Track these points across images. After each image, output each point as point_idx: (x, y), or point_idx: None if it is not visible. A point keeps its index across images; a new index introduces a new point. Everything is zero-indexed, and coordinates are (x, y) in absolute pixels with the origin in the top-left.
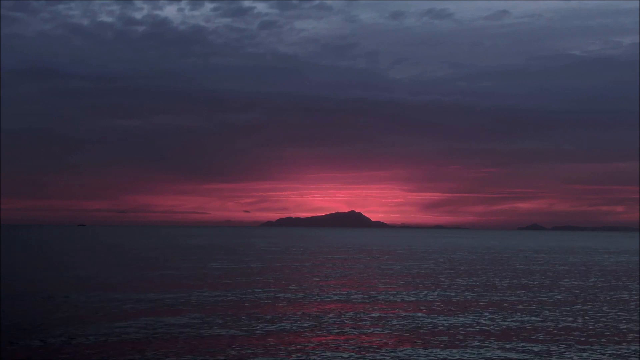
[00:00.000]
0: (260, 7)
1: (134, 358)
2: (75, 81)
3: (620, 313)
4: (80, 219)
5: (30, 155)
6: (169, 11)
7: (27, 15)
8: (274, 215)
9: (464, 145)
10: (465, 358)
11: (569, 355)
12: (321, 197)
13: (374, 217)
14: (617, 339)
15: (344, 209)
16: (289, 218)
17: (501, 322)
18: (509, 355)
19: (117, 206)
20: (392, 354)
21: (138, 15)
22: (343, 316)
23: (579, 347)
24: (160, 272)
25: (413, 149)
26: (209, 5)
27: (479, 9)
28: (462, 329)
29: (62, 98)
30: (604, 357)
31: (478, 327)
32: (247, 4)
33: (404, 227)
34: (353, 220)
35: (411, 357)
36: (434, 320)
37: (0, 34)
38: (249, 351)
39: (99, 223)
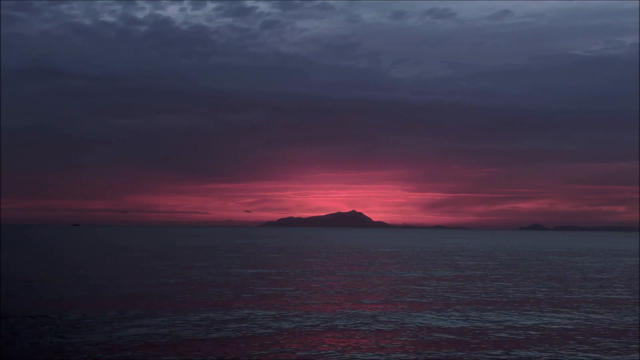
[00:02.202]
0: (262, 6)
1: None
2: (77, 81)
3: None
4: (81, 219)
5: (31, 154)
6: (171, 11)
7: (29, 14)
8: (275, 215)
9: (465, 145)
10: None
11: None
12: (322, 197)
13: (375, 217)
14: None
15: (345, 209)
16: (290, 218)
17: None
18: None
19: (119, 206)
20: None
21: (140, 15)
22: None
23: None
24: (150, 280)
25: (414, 149)
26: (211, 5)
27: (481, 9)
28: None
29: (64, 98)
30: None
31: None
32: (249, 3)
33: (405, 227)
34: (354, 220)
35: None
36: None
37: (0, 33)
38: None
39: (100, 223)
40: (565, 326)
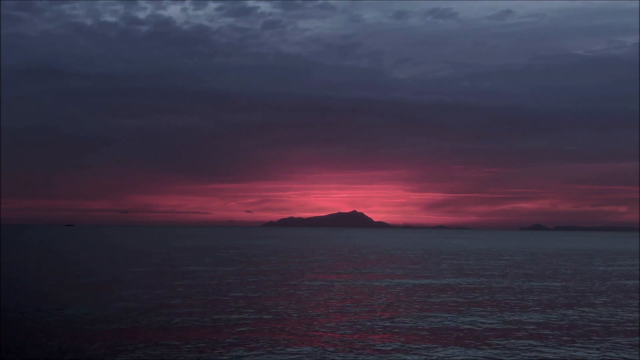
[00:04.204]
0: (264, 6)
1: None
2: (78, 81)
3: None
4: (82, 219)
5: (32, 154)
6: (173, 11)
7: (30, 14)
8: (276, 216)
9: (466, 145)
10: None
11: None
12: (323, 197)
13: (376, 217)
14: None
15: (346, 209)
16: (291, 218)
17: None
18: None
19: (120, 206)
20: None
21: (142, 15)
22: None
23: None
24: (134, 291)
25: (415, 149)
26: (212, 5)
27: (482, 9)
28: None
29: (65, 97)
30: None
31: None
32: (250, 3)
33: (406, 227)
34: (355, 220)
35: None
36: None
37: (2, 33)
38: None
39: (101, 223)
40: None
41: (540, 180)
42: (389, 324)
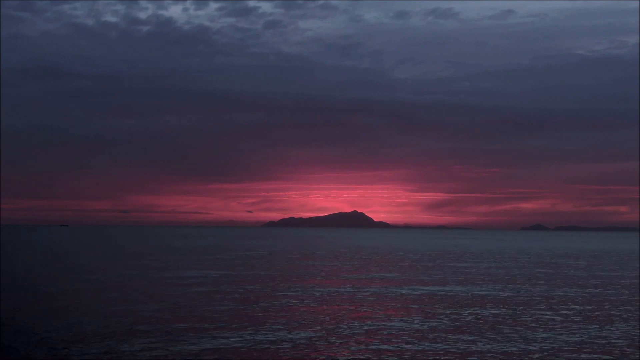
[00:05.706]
0: (265, 6)
1: None
2: (79, 81)
3: None
4: (83, 219)
5: (33, 155)
6: (174, 11)
7: (31, 15)
8: (276, 216)
9: (467, 145)
10: None
11: None
12: (324, 197)
13: (376, 217)
14: None
15: (347, 209)
16: (292, 218)
17: None
18: None
19: (121, 206)
20: None
21: (143, 15)
22: None
23: None
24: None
25: (416, 149)
26: (213, 5)
27: (484, 9)
28: None
29: (66, 98)
30: None
31: None
32: (251, 3)
33: (407, 227)
34: (355, 220)
35: None
36: None
37: (3, 33)
38: None
39: (102, 223)
40: None
41: (540, 180)
42: (386, 347)
